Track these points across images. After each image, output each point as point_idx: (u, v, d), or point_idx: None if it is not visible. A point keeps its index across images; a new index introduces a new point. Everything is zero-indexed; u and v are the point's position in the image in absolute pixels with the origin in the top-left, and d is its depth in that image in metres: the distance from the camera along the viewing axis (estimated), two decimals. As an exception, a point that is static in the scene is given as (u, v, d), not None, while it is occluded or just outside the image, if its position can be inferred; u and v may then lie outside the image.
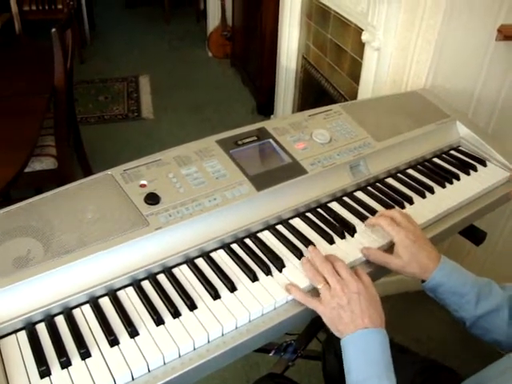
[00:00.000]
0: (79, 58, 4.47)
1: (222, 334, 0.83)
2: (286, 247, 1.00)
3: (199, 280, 0.91)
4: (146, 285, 0.90)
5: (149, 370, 0.77)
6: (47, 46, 2.07)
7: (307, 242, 1.00)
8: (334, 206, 1.13)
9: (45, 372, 0.74)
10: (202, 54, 4.83)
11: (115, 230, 0.90)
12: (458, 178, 1.25)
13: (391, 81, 1.67)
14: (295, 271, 0.94)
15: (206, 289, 0.89)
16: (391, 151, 1.26)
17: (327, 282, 0.87)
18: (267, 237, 1.03)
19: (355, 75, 2.01)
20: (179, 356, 0.79)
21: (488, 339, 0.95)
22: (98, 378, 0.73)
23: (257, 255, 0.97)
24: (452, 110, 1.45)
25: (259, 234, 1.03)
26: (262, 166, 1.12)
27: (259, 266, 0.94)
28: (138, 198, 0.97)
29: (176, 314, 0.84)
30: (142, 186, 1.00)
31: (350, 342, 0.83)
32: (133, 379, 0.75)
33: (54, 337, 0.79)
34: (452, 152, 1.38)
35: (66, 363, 0.75)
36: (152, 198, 0.97)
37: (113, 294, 0.87)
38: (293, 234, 1.03)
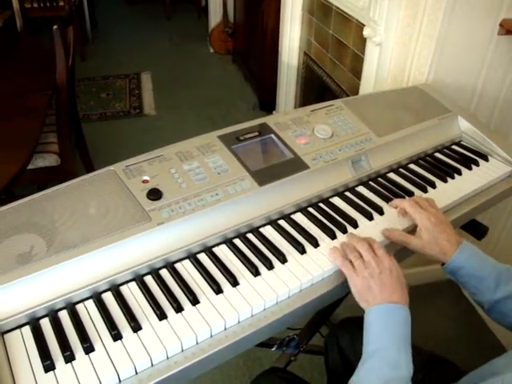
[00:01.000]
0: (81, 55, 4.47)
1: (225, 329, 0.83)
2: (288, 242, 1.00)
3: (202, 275, 0.91)
4: (149, 280, 0.90)
5: (152, 364, 0.77)
6: (49, 43, 2.07)
7: (309, 237, 1.00)
8: (336, 200, 1.13)
9: (49, 366, 0.74)
10: (204, 50, 4.83)
11: (118, 226, 0.91)
12: (459, 173, 1.25)
13: (393, 76, 1.67)
14: (297, 265, 0.94)
15: (208, 284, 0.89)
16: (393, 146, 1.26)
17: (361, 258, 0.92)
18: (269, 232, 1.03)
19: (357, 70, 2.01)
20: (182, 350, 0.80)
21: (506, 324, 0.96)
22: (101, 372, 0.74)
23: (259, 250, 0.97)
24: (453, 104, 1.45)
25: (261, 229, 1.03)
26: (264, 161, 1.12)
27: (261, 261, 0.94)
28: (141, 194, 0.97)
29: (179, 308, 0.84)
30: (145, 181, 1.00)
31: (376, 312, 0.85)
32: (136, 373, 0.76)
33: (57, 331, 0.80)
34: (454, 147, 1.38)
35: (69, 357, 0.76)
36: (154, 194, 0.97)
37: (116, 289, 0.87)
38: (295, 229, 1.03)
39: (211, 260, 0.95)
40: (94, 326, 0.81)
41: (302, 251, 0.97)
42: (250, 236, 1.01)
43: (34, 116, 1.82)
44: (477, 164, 1.30)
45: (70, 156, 2.20)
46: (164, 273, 0.92)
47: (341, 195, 1.15)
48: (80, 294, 0.85)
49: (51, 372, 0.74)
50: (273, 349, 1.44)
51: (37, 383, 0.73)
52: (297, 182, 1.10)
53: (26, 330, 0.81)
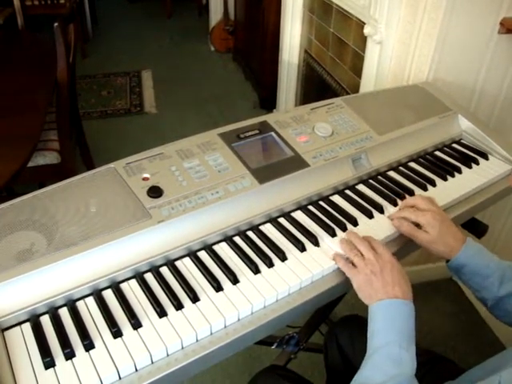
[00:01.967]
0: (82, 53, 4.47)
1: (225, 326, 0.83)
2: (288, 240, 1.00)
3: (202, 272, 0.91)
4: (149, 277, 0.90)
5: (152, 362, 0.77)
6: (50, 40, 2.07)
7: (309, 235, 1.00)
8: (336, 199, 1.13)
9: (49, 363, 0.75)
10: (204, 48, 4.82)
11: (118, 223, 0.91)
12: (459, 171, 1.25)
13: (393, 74, 1.67)
14: (297, 263, 0.94)
15: (208, 281, 0.89)
16: (393, 144, 1.26)
17: (361, 255, 0.92)
18: (269, 229, 1.03)
19: (357, 69, 2.01)
20: (182, 348, 0.80)
21: (509, 321, 0.96)
22: (101, 369, 0.74)
23: (259, 248, 0.97)
24: (454, 103, 1.45)
25: (261, 227, 1.03)
26: (264, 159, 1.12)
27: (261, 259, 0.95)
28: (141, 191, 0.97)
29: (179, 306, 0.84)
30: (145, 179, 1.00)
31: (379, 308, 0.86)
32: (136, 370, 0.76)
33: (58, 328, 0.80)
34: (454, 145, 1.38)
35: (70, 354, 0.76)
36: (155, 191, 0.97)
37: (116, 287, 0.88)
38: (295, 227, 1.04)
39: (211, 258, 0.95)
40: (94, 323, 0.82)
41: (302, 249, 0.97)
42: (250, 234, 1.01)
43: (35, 113, 1.82)
44: (477, 162, 1.30)
45: (70, 154, 2.20)
46: (164, 270, 0.92)
47: (341, 193, 1.15)
48: (80, 291, 0.86)
49: (51, 369, 0.74)
50: (273, 347, 1.44)
51: (37, 380, 0.73)
52: (297, 180, 1.10)
53: (27, 326, 0.81)
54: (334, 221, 1.05)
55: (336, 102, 1.32)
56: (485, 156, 1.32)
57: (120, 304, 0.85)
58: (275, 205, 1.06)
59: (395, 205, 1.12)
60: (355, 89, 2.06)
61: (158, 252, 0.92)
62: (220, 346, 0.81)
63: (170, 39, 5.15)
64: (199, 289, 0.88)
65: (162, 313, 0.83)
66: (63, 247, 0.86)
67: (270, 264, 0.93)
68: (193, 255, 0.95)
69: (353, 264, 0.92)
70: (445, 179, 1.22)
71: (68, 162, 2.14)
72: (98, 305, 0.85)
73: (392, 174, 1.24)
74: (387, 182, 1.20)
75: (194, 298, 0.86)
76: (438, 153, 1.34)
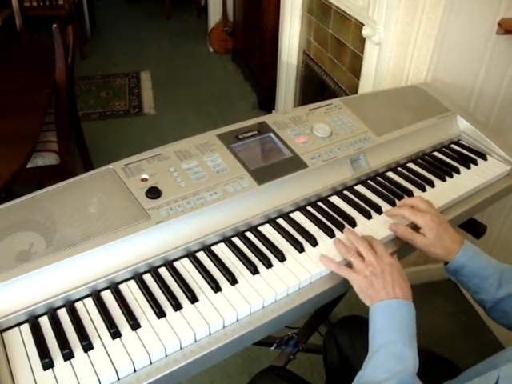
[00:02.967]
0: (80, 54, 4.46)
1: (224, 327, 0.84)
2: (287, 240, 1.00)
3: (200, 273, 0.91)
4: (148, 278, 0.90)
5: (150, 362, 0.77)
6: (48, 41, 2.07)
7: (308, 236, 1.01)
8: (335, 199, 1.14)
9: (48, 364, 0.75)
10: (203, 49, 4.82)
11: (117, 224, 0.91)
12: (458, 172, 1.26)
13: (392, 75, 1.68)
14: (295, 264, 0.94)
15: (207, 282, 0.89)
16: (391, 145, 1.26)
17: (360, 256, 0.92)
18: (268, 230, 1.03)
19: (356, 70, 2.01)
20: (181, 348, 0.80)
21: (508, 323, 0.97)
22: (100, 370, 0.74)
23: (258, 248, 0.97)
24: (452, 103, 1.45)
25: (260, 228, 1.03)
26: (263, 160, 1.12)
27: (260, 259, 0.95)
28: (140, 192, 0.97)
29: (177, 306, 0.84)
30: (144, 180, 1.00)
31: (380, 308, 0.86)
32: (135, 371, 0.76)
33: (56, 329, 0.80)
34: (452, 146, 1.38)
35: (68, 355, 0.76)
36: (153, 192, 0.97)
37: (115, 288, 0.88)
38: (293, 228, 1.04)
39: (210, 258, 0.95)
40: (93, 323, 0.82)
41: (301, 250, 0.97)
42: (249, 234, 1.01)
43: (34, 114, 1.82)
44: (475, 163, 1.30)
45: (69, 155, 2.20)
46: (163, 271, 0.92)
47: (339, 194, 1.15)
48: (79, 292, 0.86)
49: (50, 370, 0.74)
50: (272, 347, 1.45)
51: (35, 381, 0.73)
52: (295, 180, 1.10)
53: (25, 327, 0.81)
54: (333, 221, 1.05)
55: (334, 103, 1.32)
56: (483, 157, 1.33)
57: (119, 305, 0.85)
58: (274, 205, 1.06)
59: (393, 206, 1.12)
60: (354, 90, 2.06)
61: (157, 253, 0.92)
62: (219, 347, 0.81)
63: (169, 40, 5.15)
64: (198, 289, 0.88)
65: (160, 313, 0.83)
66: (62, 248, 0.86)
67: (269, 264, 0.94)
68: (191, 256, 0.95)
69: (350, 265, 0.92)
70: (443, 180, 1.22)
71: (67, 163, 2.14)
72: (96, 305, 0.85)
73: (390, 174, 1.24)
74: (386, 182, 1.20)
75: (193, 299, 0.86)
76: (436, 153, 1.34)
